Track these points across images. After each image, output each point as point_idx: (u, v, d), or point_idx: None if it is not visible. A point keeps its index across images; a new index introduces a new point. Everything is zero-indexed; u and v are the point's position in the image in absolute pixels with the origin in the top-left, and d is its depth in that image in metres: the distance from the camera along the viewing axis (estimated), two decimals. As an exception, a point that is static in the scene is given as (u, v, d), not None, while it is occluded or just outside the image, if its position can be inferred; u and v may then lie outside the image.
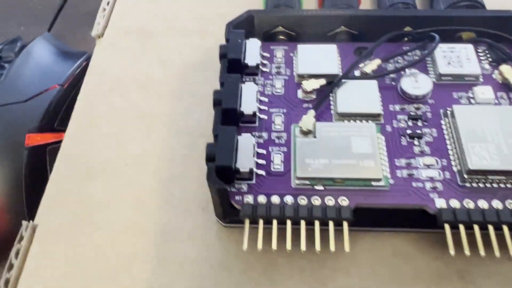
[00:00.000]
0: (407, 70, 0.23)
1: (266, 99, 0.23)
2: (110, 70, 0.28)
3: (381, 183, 0.20)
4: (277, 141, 0.21)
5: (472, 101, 0.22)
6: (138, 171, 0.24)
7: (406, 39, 0.25)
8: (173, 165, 0.24)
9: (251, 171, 0.20)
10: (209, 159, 0.20)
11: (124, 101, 0.27)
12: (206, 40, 0.29)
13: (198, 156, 0.24)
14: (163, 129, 0.25)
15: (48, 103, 0.40)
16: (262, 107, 0.22)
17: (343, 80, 0.23)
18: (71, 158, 0.25)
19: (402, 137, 0.21)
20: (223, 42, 0.24)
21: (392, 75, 0.24)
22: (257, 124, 0.22)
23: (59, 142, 0.35)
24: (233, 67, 0.23)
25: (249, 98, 0.22)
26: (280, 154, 0.21)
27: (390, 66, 0.24)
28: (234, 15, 0.25)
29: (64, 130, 0.26)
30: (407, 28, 0.25)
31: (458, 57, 0.24)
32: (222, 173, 0.19)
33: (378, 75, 0.23)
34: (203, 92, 0.26)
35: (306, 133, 0.21)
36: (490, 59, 0.24)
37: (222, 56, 0.23)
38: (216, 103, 0.21)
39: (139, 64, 0.28)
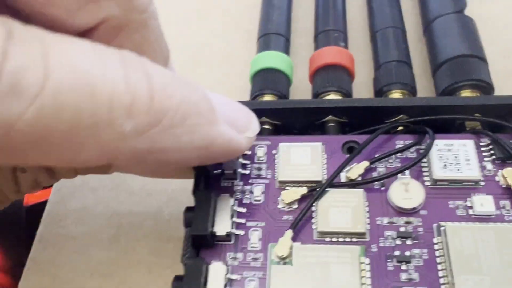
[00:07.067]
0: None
1: (243, 210, 0.21)
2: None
3: (362, 324, 0.18)
4: (252, 263, 0.20)
5: (470, 211, 0.20)
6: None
7: (400, 128, 0.23)
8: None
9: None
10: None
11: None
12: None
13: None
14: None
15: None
16: (239, 220, 0.21)
17: (326, 189, 0.21)
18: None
19: (389, 260, 0.19)
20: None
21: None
22: (232, 241, 0.20)
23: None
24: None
25: (223, 215, 0.20)
26: (255, 280, 0.19)
27: (381, 166, 0.22)
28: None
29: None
30: (402, 116, 0.23)
31: (455, 158, 0.21)
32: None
33: (365, 181, 0.21)
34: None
35: (283, 258, 0.20)
36: (493, 157, 0.22)
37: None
38: (187, 224, 0.20)
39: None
